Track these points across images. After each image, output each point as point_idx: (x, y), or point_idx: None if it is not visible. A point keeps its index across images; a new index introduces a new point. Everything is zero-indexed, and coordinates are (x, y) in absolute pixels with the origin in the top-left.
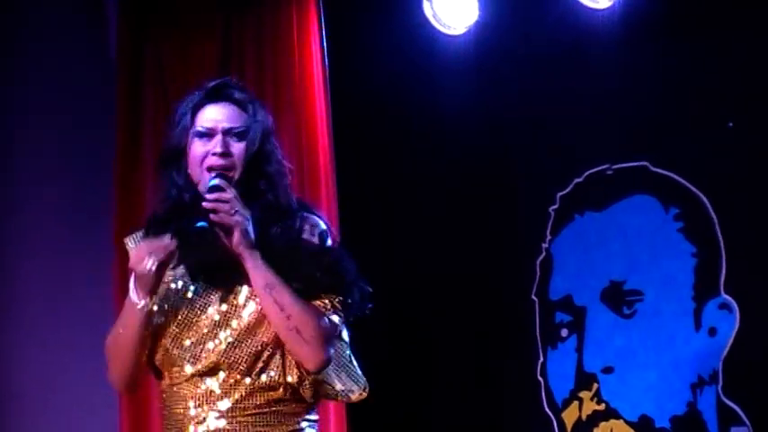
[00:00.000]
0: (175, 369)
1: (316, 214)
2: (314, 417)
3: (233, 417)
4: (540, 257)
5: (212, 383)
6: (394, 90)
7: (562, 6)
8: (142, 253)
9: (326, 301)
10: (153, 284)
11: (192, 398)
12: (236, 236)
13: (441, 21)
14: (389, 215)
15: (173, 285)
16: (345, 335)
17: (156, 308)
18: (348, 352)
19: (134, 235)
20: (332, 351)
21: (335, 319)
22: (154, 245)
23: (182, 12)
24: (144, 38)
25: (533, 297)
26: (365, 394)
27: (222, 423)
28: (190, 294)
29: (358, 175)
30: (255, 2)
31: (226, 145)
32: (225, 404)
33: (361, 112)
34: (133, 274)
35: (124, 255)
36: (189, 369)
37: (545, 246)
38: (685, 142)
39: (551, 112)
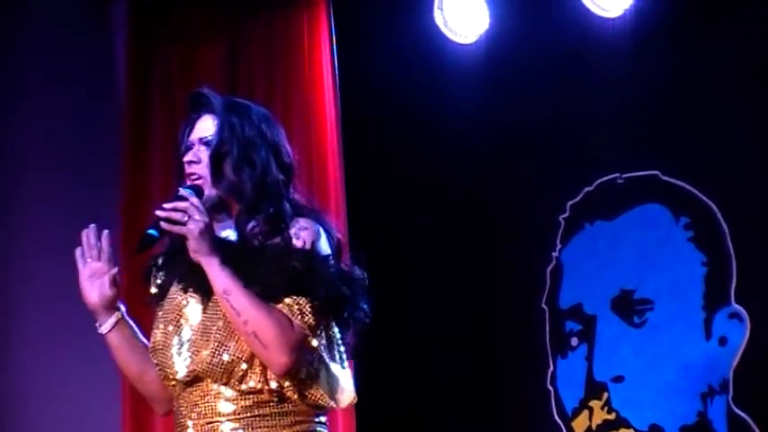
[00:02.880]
0: (169, 382)
1: (314, 216)
2: (322, 419)
3: (230, 420)
4: (551, 266)
5: (202, 392)
6: (403, 97)
7: (572, 15)
8: (83, 282)
9: (291, 305)
10: (101, 307)
11: (187, 408)
12: (190, 243)
13: (451, 29)
14: (398, 220)
15: (171, 298)
16: (318, 339)
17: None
18: (323, 357)
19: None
20: (296, 355)
21: (300, 322)
22: (93, 268)
23: (189, 18)
24: (152, 44)
25: (543, 306)
26: (351, 400)
27: (222, 428)
28: (180, 304)
29: (367, 181)
30: (264, 7)
31: (196, 153)
32: (219, 410)
33: (370, 119)
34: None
35: (130, 262)
36: (178, 377)
37: (555, 254)
38: (696, 151)
39: (562, 120)
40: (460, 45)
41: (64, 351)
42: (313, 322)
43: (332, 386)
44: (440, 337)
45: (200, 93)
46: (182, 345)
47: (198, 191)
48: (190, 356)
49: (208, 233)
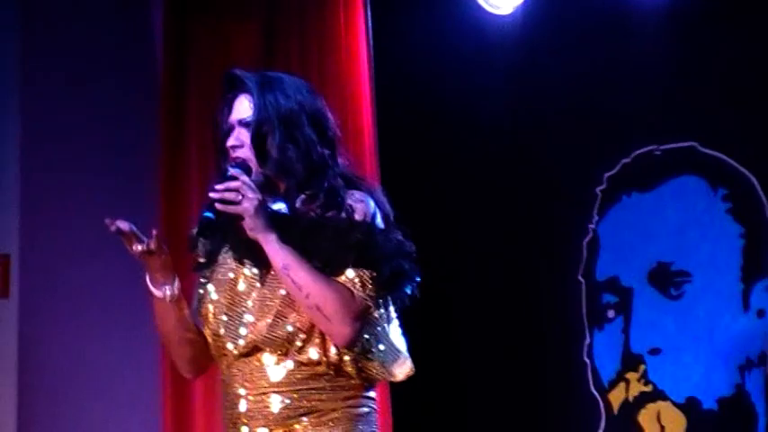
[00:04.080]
0: (222, 351)
1: (369, 189)
2: (372, 394)
3: (282, 392)
4: (587, 238)
5: (258, 362)
6: (440, 70)
7: None
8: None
9: (353, 277)
10: (156, 271)
11: (241, 377)
12: (247, 222)
13: (487, 0)
14: (435, 200)
15: (222, 269)
16: (379, 311)
17: (200, 292)
18: (384, 328)
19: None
20: (359, 326)
21: (362, 293)
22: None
23: (225, 6)
24: (188, 19)
25: (580, 278)
26: (408, 372)
27: (274, 399)
28: (234, 276)
29: (402, 163)
30: None
31: (238, 136)
32: (273, 380)
33: (406, 96)
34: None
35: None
36: (231, 349)
37: (592, 226)
38: (734, 123)
39: (599, 92)
40: (496, 16)
41: (106, 346)
42: (374, 294)
43: (390, 359)
44: (477, 311)
45: (233, 74)
46: (239, 315)
47: (246, 168)
48: (247, 327)
49: (263, 210)
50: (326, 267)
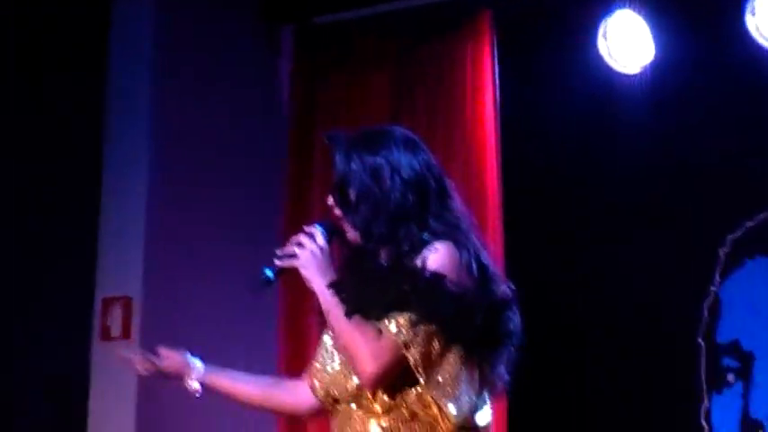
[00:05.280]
0: (320, 401)
1: (455, 236)
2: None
3: None
4: (708, 300)
5: (347, 416)
6: (565, 129)
7: (740, 46)
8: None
9: (385, 320)
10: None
11: (338, 428)
12: (302, 273)
13: (616, 59)
14: (558, 256)
15: None
16: (419, 350)
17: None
18: (436, 371)
19: None
20: (384, 366)
21: (391, 334)
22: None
23: (354, 54)
24: (318, 71)
25: (699, 340)
26: (457, 418)
27: None
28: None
29: (527, 219)
30: (429, 41)
31: (331, 197)
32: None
33: (533, 152)
34: None
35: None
36: (321, 398)
37: (714, 289)
38: None
39: (726, 152)
40: (624, 76)
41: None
42: (406, 337)
43: (437, 399)
44: (596, 365)
45: (328, 136)
46: (324, 371)
47: (329, 227)
48: (328, 382)
49: (318, 259)
50: (365, 312)
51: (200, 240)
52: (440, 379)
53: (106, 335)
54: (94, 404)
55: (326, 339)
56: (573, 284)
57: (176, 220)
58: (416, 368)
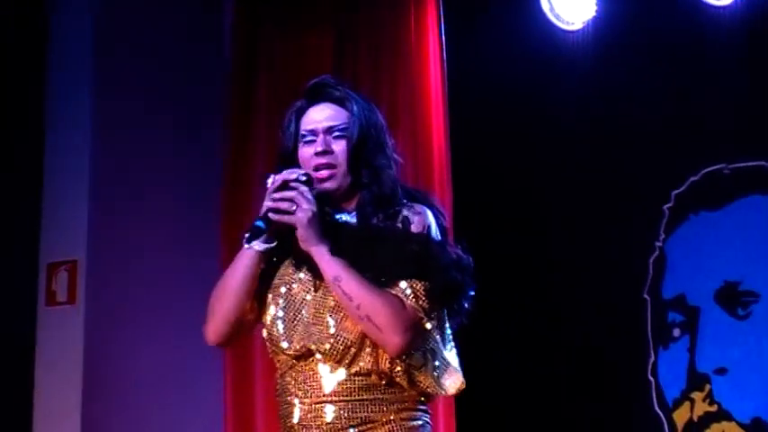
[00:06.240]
0: (276, 351)
1: (426, 202)
2: (426, 407)
3: (336, 402)
4: (654, 256)
5: (311, 371)
6: (511, 85)
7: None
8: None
9: (405, 288)
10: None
11: (294, 386)
12: (299, 232)
13: (558, 16)
14: (504, 213)
15: (281, 270)
16: (431, 323)
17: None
18: (437, 341)
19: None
20: (410, 336)
21: (414, 304)
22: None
23: (295, 9)
24: (258, 36)
25: (645, 296)
26: (459, 387)
27: (327, 409)
28: (291, 281)
29: (473, 175)
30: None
31: (326, 143)
32: (326, 390)
33: (477, 110)
34: None
35: (231, 253)
36: (286, 347)
37: (658, 244)
38: None
39: (668, 109)
40: (567, 32)
41: (170, 346)
42: (427, 305)
43: (441, 372)
44: (541, 325)
45: (325, 82)
46: (293, 320)
47: (308, 179)
48: (301, 333)
49: (315, 221)
50: (380, 278)
51: (144, 201)
52: (444, 354)
53: (52, 300)
54: (40, 370)
55: (284, 290)
56: (519, 241)
57: (120, 182)
58: (434, 336)
